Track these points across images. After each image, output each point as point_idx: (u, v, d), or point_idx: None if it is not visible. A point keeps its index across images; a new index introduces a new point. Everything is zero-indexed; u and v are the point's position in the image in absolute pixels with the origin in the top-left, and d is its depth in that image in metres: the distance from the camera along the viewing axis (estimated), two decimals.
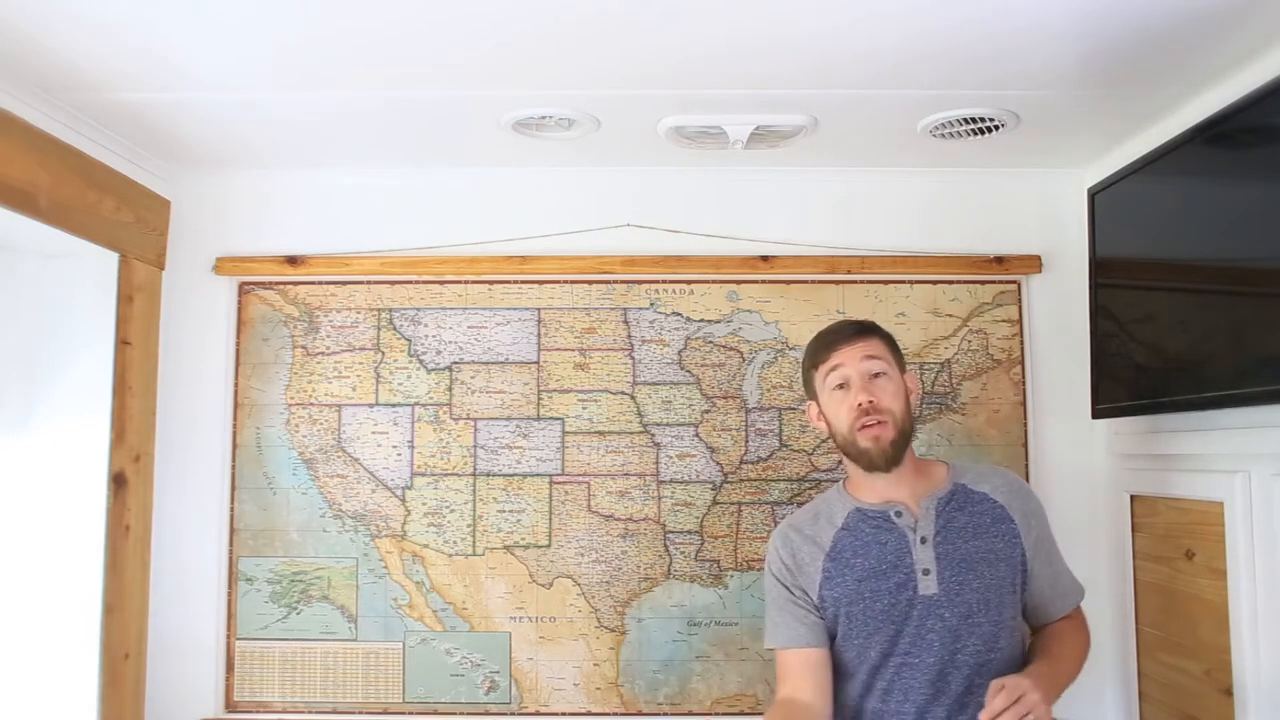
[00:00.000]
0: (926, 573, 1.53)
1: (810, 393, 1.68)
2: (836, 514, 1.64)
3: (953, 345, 2.18)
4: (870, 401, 1.54)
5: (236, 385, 2.19)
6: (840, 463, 2.13)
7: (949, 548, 1.55)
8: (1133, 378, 1.88)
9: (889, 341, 1.64)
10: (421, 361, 2.19)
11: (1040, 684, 1.37)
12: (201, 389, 2.17)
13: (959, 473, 1.65)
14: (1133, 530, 1.99)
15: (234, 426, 2.18)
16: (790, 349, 2.18)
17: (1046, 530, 1.63)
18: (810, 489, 2.14)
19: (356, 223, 2.21)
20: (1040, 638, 1.63)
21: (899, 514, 1.58)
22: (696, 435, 2.17)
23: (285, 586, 2.14)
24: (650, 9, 1.43)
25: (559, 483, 2.16)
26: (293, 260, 2.19)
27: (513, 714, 2.12)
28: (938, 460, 1.72)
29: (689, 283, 2.20)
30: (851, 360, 1.58)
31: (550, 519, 2.15)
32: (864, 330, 1.62)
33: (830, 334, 1.65)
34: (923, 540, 1.55)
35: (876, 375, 1.57)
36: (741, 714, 2.11)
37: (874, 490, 1.61)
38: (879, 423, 1.54)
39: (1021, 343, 2.18)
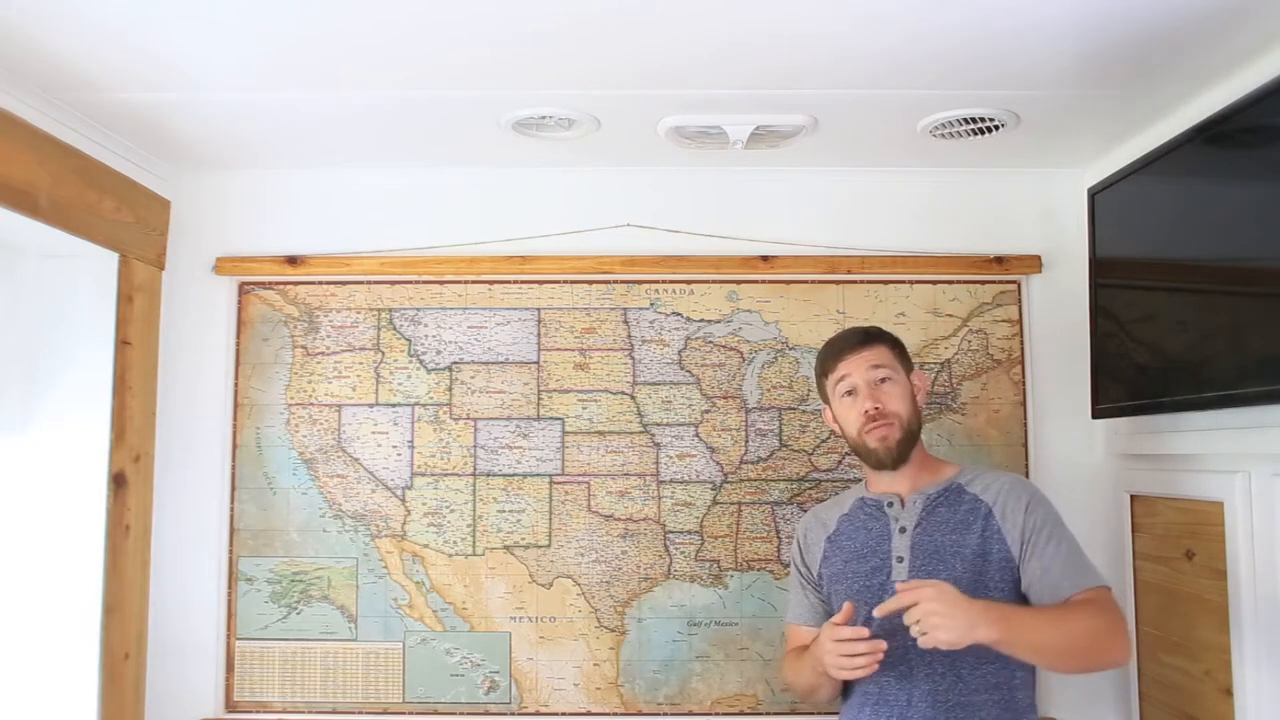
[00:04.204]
0: (900, 560, 1.61)
1: (823, 398, 1.76)
2: (846, 501, 1.76)
3: (953, 345, 2.18)
4: (876, 408, 1.62)
5: (236, 385, 2.19)
6: (840, 462, 2.15)
7: (925, 539, 1.61)
8: (1133, 378, 1.88)
9: (894, 346, 1.70)
10: (421, 361, 2.19)
11: (963, 604, 1.38)
12: (201, 389, 2.17)
13: (964, 474, 1.68)
14: (1133, 530, 1.99)
15: (234, 426, 2.18)
16: (790, 349, 2.18)
17: (1041, 522, 1.57)
18: (810, 489, 2.14)
19: (356, 223, 2.21)
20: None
21: (890, 504, 1.67)
22: (696, 435, 2.17)
23: (285, 586, 2.14)
24: (650, 9, 1.43)
25: (559, 483, 2.16)
26: (293, 260, 2.19)
27: (513, 714, 2.12)
28: (952, 463, 1.74)
29: (689, 283, 2.20)
30: (857, 369, 1.65)
31: (550, 519, 2.15)
32: (869, 338, 1.69)
33: (837, 343, 1.72)
34: (902, 530, 1.63)
35: (882, 381, 1.65)
36: (741, 714, 2.11)
37: (881, 483, 1.71)
38: (886, 424, 1.62)
39: (1021, 343, 2.18)
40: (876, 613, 1.45)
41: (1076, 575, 1.54)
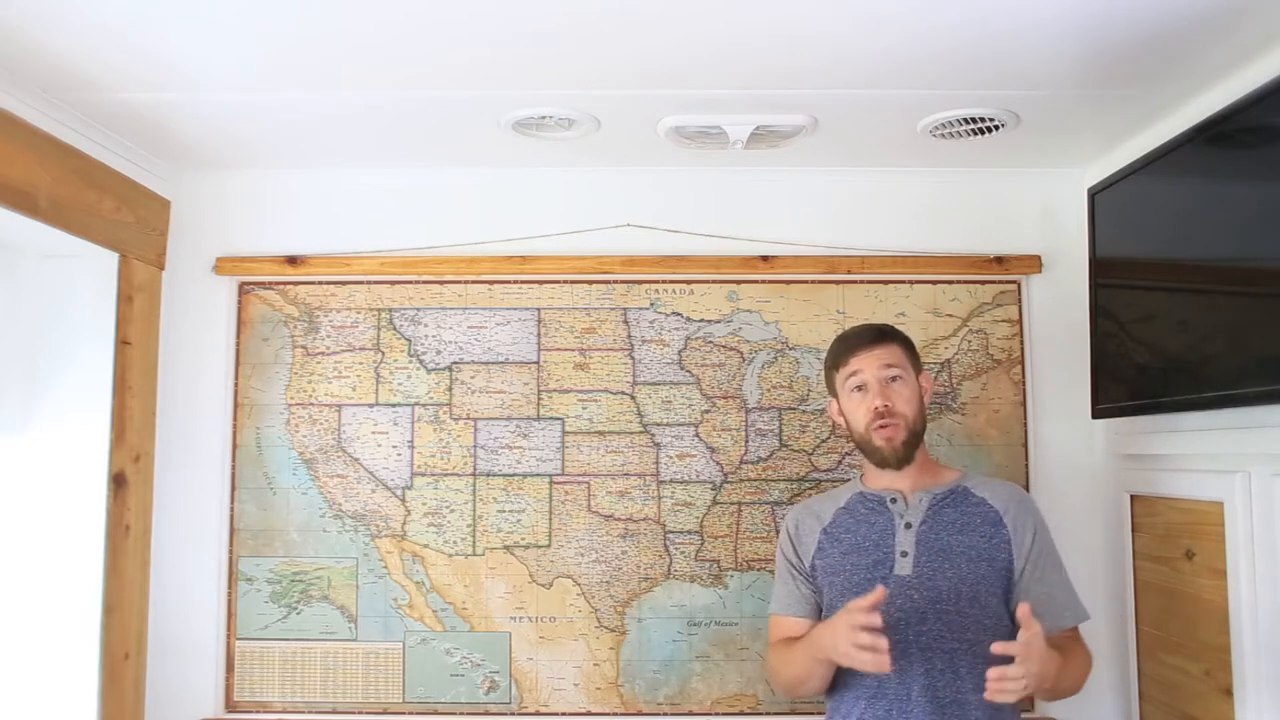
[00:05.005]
0: (904, 555, 1.62)
1: (831, 391, 1.77)
2: (842, 496, 1.76)
3: (953, 345, 2.18)
4: (886, 406, 1.64)
5: (236, 385, 2.19)
6: (840, 462, 2.15)
7: (931, 536, 1.62)
8: (1133, 378, 1.88)
9: (906, 346, 1.72)
10: (421, 361, 2.19)
11: (1048, 667, 1.42)
12: (201, 389, 2.17)
13: (967, 479, 1.70)
14: (1133, 530, 1.99)
15: (234, 426, 2.18)
16: (790, 349, 2.18)
17: (1046, 547, 1.63)
18: (810, 489, 2.14)
19: (356, 223, 2.21)
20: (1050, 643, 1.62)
21: (894, 500, 1.67)
22: (696, 435, 2.17)
23: (285, 586, 2.14)
24: (650, 9, 1.43)
25: (559, 483, 2.16)
26: (293, 260, 2.19)
27: (513, 714, 2.12)
28: (952, 467, 1.76)
29: (689, 283, 2.20)
30: (869, 366, 1.66)
31: (550, 519, 2.15)
32: (882, 336, 1.70)
33: (851, 338, 1.73)
34: (907, 526, 1.64)
35: (893, 379, 1.66)
36: (741, 714, 2.11)
37: (881, 480, 1.71)
38: (893, 425, 1.63)
39: (1021, 343, 2.18)
40: (996, 649, 1.41)
41: (1075, 606, 1.63)
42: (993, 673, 1.39)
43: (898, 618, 1.56)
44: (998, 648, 1.41)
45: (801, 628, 1.70)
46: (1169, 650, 1.85)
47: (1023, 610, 1.41)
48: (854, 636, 1.44)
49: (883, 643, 1.42)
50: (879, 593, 1.46)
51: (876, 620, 1.44)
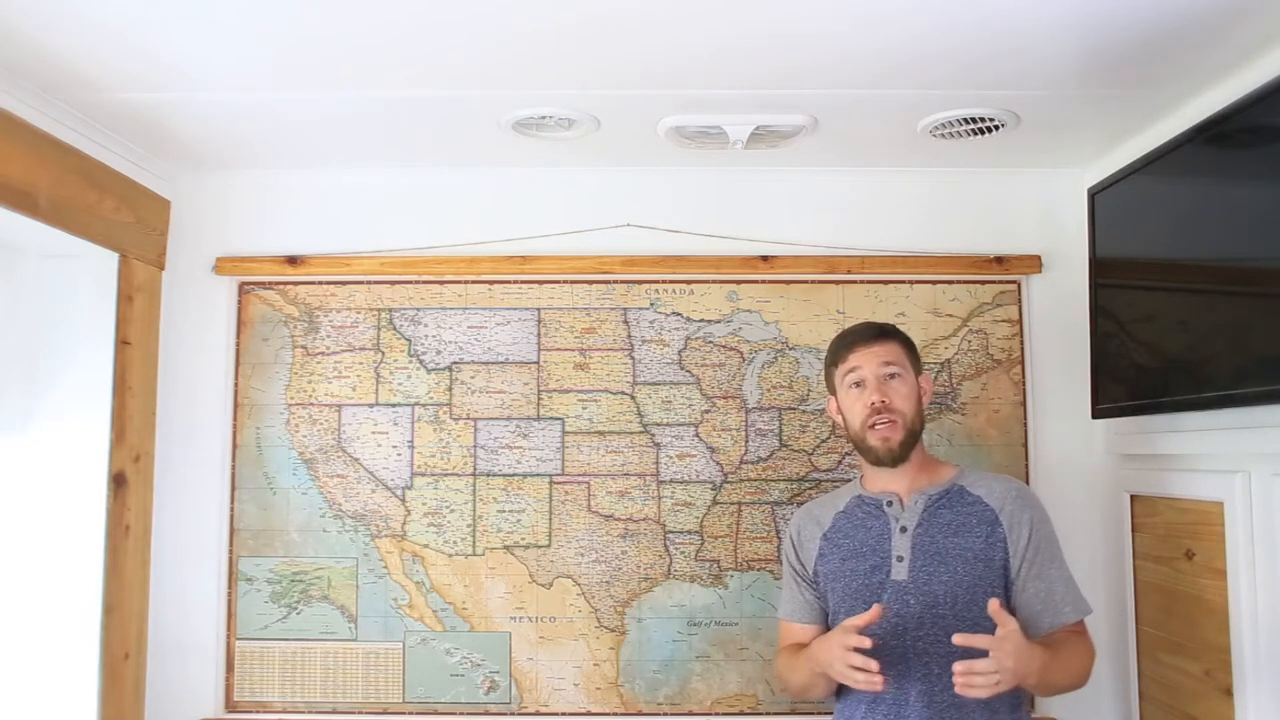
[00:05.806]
0: (900, 559, 1.62)
1: (830, 388, 1.77)
2: (841, 499, 1.76)
3: (953, 345, 2.18)
4: (883, 402, 1.63)
5: (236, 385, 2.19)
6: (840, 462, 2.15)
7: (926, 539, 1.62)
8: (1133, 378, 1.88)
9: (906, 345, 1.71)
10: (421, 361, 2.19)
11: (1026, 656, 1.40)
12: (201, 389, 2.17)
13: (964, 476, 1.69)
14: (1133, 530, 1.99)
15: (234, 426, 2.18)
16: (790, 349, 2.18)
17: (1044, 542, 1.61)
18: (810, 489, 2.14)
19: (356, 223, 2.21)
20: (1047, 638, 1.62)
21: (890, 504, 1.67)
22: (696, 435, 2.17)
23: (285, 586, 2.14)
24: (650, 9, 1.43)
25: (559, 483, 2.16)
26: (293, 260, 2.19)
27: (513, 714, 2.12)
28: (950, 464, 1.74)
29: (689, 283, 2.20)
30: (868, 363, 1.66)
31: (550, 519, 2.15)
32: (883, 334, 1.70)
33: (851, 335, 1.73)
34: (903, 529, 1.64)
35: (891, 377, 1.66)
36: (741, 714, 2.11)
37: (878, 481, 1.71)
38: (889, 423, 1.63)
39: (1021, 343, 2.18)
40: (958, 640, 1.42)
41: (1076, 600, 1.61)
42: (959, 666, 1.39)
43: (895, 623, 1.56)
44: (959, 639, 1.41)
45: (808, 634, 1.70)
46: (1169, 650, 1.85)
47: (993, 606, 1.42)
48: (847, 657, 1.45)
49: (873, 664, 1.43)
50: (874, 612, 1.48)
51: (866, 642, 1.45)
